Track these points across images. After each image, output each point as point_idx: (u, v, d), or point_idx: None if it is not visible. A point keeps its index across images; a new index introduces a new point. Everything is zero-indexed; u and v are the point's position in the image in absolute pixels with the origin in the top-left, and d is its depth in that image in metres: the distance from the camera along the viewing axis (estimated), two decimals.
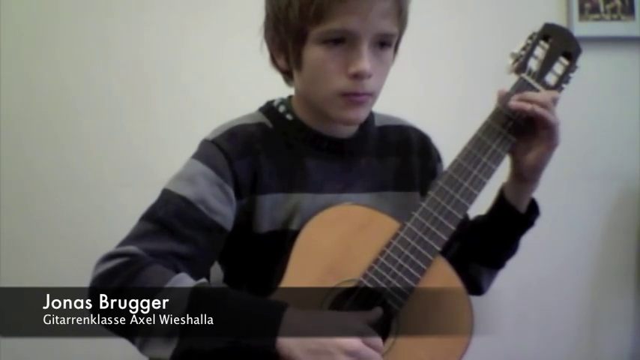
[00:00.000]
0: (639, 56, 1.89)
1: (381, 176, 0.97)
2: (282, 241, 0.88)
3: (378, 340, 0.76)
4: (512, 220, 0.96)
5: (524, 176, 0.93)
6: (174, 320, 0.74)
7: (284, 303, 0.75)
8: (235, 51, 1.74)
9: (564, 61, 0.95)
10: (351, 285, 0.84)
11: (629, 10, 1.91)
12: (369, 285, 0.84)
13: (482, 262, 1.00)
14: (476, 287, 1.01)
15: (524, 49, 0.95)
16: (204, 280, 0.80)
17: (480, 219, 0.99)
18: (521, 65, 0.94)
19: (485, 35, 1.90)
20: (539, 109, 0.87)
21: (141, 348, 0.77)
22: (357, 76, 0.83)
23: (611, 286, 2.00)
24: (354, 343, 0.73)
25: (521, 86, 0.93)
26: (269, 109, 0.96)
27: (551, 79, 0.94)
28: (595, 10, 1.89)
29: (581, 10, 1.89)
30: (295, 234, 0.87)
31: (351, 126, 0.94)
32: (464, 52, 1.89)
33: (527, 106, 0.87)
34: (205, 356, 0.74)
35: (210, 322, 0.74)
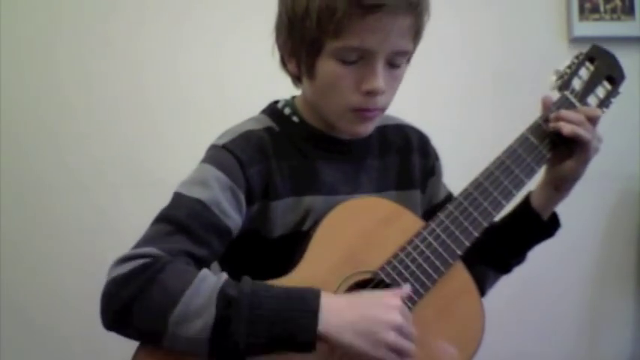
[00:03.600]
0: (639, 56, 1.89)
1: (383, 176, 0.97)
2: (293, 243, 0.88)
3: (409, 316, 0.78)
4: (533, 227, 0.96)
5: (557, 186, 0.94)
6: (205, 325, 0.72)
7: (317, 290, 0.75)
8: (234, 51, 1.74)
9: (607, 85, 0.96)
10: (366, 276, 0.84)
11: (629, 10, 1.91)
12: (386, 279, 0.84)
13: (492, 265, 1.00)
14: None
15: (569, 67, 0.96)
16: (224, 275, 0.78)
17: (495, 223, 0.99)
18: (564, 83, 0.95)
19: (486, 35, 1.90)
20: (575, 130, 0.88)
21: (169, 348, 0.75)
22: (370, 94, 0.83)
23: (611, 286, 1.99)
24: (398, 317, 0.75)
25: (562, 103, 0.93)
26: (274, 111, 0.95)
27: (592, 100, 0.95)
28: (595, 10, 1.89)
29: (581, 10, 1.89)
30: (306, 234, 0.87)
31: None
32: (464, 51, 1.89)
33: (566, 128, 0.88)
34: (245, 351, 0.73)
35: (246, 325, 0.72)
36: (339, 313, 0.74)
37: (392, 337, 0.74)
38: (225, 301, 0.73)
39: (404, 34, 0.82)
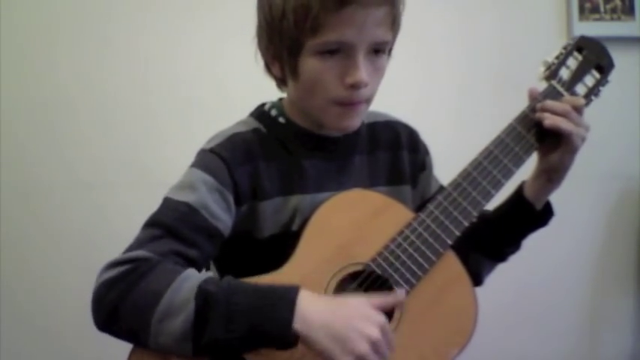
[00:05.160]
0: (639, 56, 1.89)
1: (372, 172, 0.98)
2: (283, 243, 0.88)
3: (391, 335, 0.77)
4: (527, 216, 0.97)
5: (548, 176, 0.94)
6: (185, 321, 0.74)
7: (295, 286, 0.75)
8: (234, 51, 1.74)
9: (596, 74, 0.96)
10: (358, 268, 0.85)
11: (629, 10, 1.91)
12: (377, 270, 0.85)
13: (487, 254, 1.01)
14: (475, 278, 1.02)
15: (557, 57, 0.96)
16: (209, 274, 0.80)
17: (489, 213, 1.00)
18: (552, 73, 0.95)
19: (486, 34, 1.90)
20: (555, 122, 0.88)
21: (155, 347, 0.76)
22: (354, 86, 0.83)
23: (611, 286, 2.00)
24: (376, 332, 0.74)
25: (549, 93, 0.94)
26: (261, 113, 0.96)
27: (581, 89, 0.95)
28: (595, 10, 1.90)
29: (581, 10, 1.89)
30: (296, 234, 0.87)
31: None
32: (464, 51, 1.89)
33: (547, 120, 0.89)
34: (225, 347, 0.74)
35: (223, 319, 0.73)
36: (317, 310, 0.75)
37: (364, 348, 0.73)
38: (203, 296, 0.74)
39: (380, 24, 0.83)
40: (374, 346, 0.73)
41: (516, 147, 0.91)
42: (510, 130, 0.92)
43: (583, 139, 0.90)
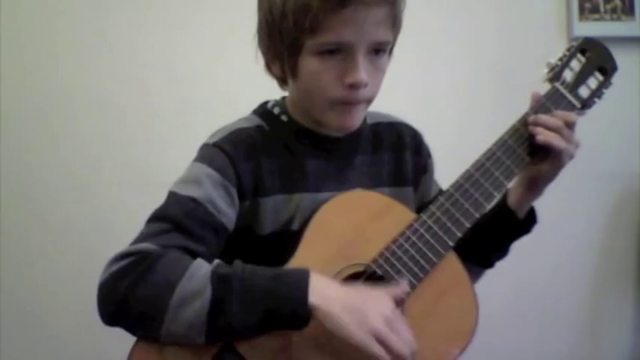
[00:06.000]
0: (639, 56, 1.89)
1: (375, 173, 0.98)
2: (283, 241, 0.89)
3: (402, 317, 0.78)
4: (509, 224, 0.97)
5: (529, 186, 0.95)
6: (202, 306, 0.74)
7: (307, 268, 0.77)
8: (234, 50, 1.74)
9: (599, 76, 0.96)
10: (359, 269, 0.85)
11: (629, 10, 1.91)
12: (378, 271, 0.85)
13: (473, 261, 1.00)
14: None
15: (560, 59, 0.96)
16: (218, 261, 0.80)
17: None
18: (555, 75, 0.95)
19: (486, 35, 1.90)
20: (547, 139, 0.89)
21: (165, 340, 0.76)
22: (353, 87, 0.83)
23: (611, 286, 2.00)
24: (388, 311, 0.76)
25: (553, 95, 0.94)
26: (264, 111, 0.97)
27: (584, 92, 0.95)
28: (595, 10, 1.90)
29: (581, 10, 1.89)
30: (296, 234, 0.87)
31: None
32: (465, 51, 1.89)
33: (538, 137, 0.90)
34: (240, 332, 0.75)
35: (239, 295, 0.74)
36: (332, 287, 0.77)
37: (379, 323, 0.74)
38: (218, 279, 0.75)
39: (380, 24, 0.83)
40: (389, 323, 0.75)
41: (519, 149, 0.92)
42: (513, 131, 0.92)
43: (571, 157, 0.91)
